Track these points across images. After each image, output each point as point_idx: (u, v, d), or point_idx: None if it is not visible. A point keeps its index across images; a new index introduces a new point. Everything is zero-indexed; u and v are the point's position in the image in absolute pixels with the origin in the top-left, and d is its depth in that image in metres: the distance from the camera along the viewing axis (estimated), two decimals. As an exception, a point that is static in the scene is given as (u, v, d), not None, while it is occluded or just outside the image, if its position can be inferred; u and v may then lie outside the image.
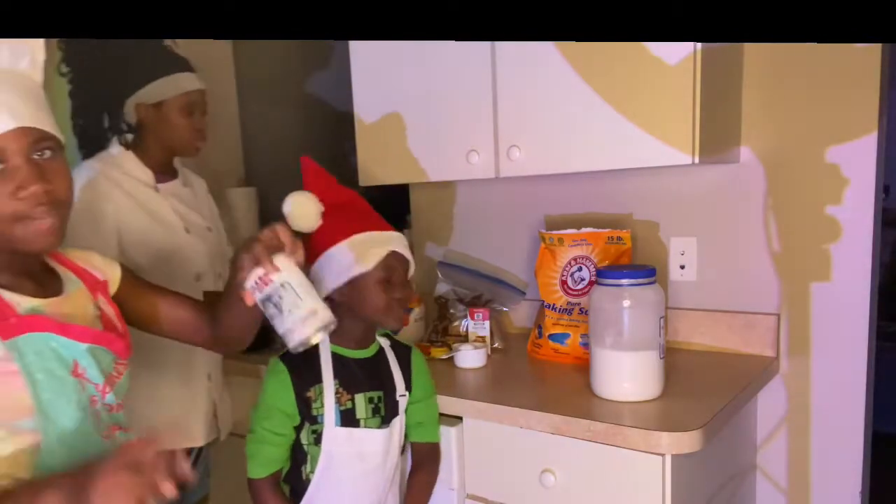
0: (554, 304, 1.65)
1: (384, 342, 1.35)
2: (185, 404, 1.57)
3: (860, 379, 1.50)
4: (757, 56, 1.53)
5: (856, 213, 1.46)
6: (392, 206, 2.19)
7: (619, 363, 1.32)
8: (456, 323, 1.81)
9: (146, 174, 1.56)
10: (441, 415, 1.43)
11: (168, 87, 1.51)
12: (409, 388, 1.33)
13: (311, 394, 1.24)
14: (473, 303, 1.81)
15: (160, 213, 1.55)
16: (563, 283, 1.64)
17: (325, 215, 1.23)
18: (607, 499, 1.24)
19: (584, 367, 1.43)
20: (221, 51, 2.74)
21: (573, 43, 1.42)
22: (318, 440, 1.25)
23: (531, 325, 1.81)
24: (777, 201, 1.55)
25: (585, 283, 1.61)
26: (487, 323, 1.72)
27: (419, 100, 1.67)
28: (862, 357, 1.50)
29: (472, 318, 1.73)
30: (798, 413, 1.57)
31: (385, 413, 1.29)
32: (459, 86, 1.60)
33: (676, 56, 1.31)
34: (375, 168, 1.79)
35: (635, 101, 1.37)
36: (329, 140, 2.57)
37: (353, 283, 1.23)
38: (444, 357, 1.68)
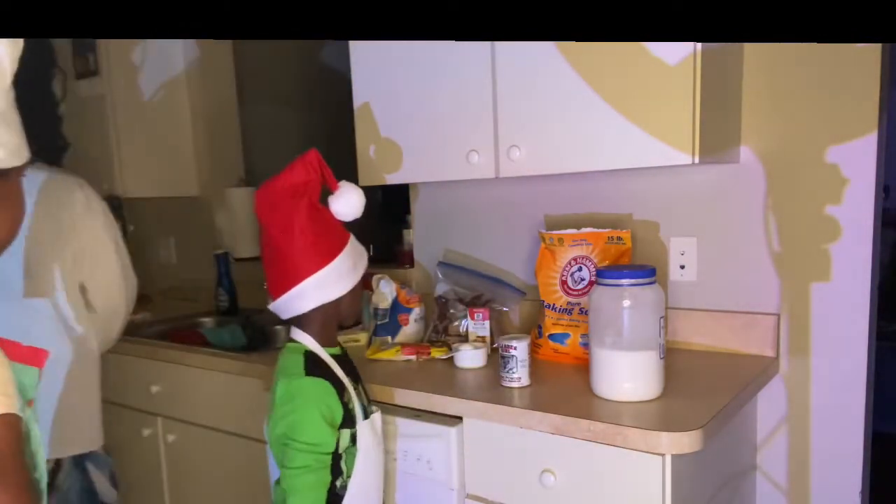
0: (554, 304, 1.65)
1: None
2: None
3: (860, 379, 1.50)
4: (757, 56, 1.53)
5: (856, 213, 1.46)
6: (392, 206, 2.20)
7: (619, 363, 1.32)
8: (456, 323, 1.81)
9: None
10: (441, 415, 1.43)
11: None
12: None
13: (346, 398, 1.28)
14: (473, 303, 1.81)
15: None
16: (563, 283, 1.64)
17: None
18: (607, 499, 1.24)
19: (584, 367, 1.43)
20: (221, 51, 2.74)
21: (573, 43, 1.42)
22: (354, 441, 1.29)
23: (531, 325, 1.81)
24: (777, 201, 1.55)
25: (585, 283, 1.61)
26: (487, 323, 1.72)
27: (419, 100, 1.67)
28: (862, 357, 1.50)
29: (472, 318, 1.73)
30: (798, 413, 1.57)
31: (367, 395, 1.41)
32: (459, 86, 1.60)
33: (676, 56, 1.31)
34: (375, 168, 1.79)
35: (635, 102, 1.37)
36: (329, 140, 2.57)
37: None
38: (444, 357, 1.68)
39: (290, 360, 1.28)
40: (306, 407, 1.22)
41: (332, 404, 1.24)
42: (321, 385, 1.24)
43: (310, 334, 1.29)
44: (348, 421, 1.26)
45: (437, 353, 1.68)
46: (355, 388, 1.32)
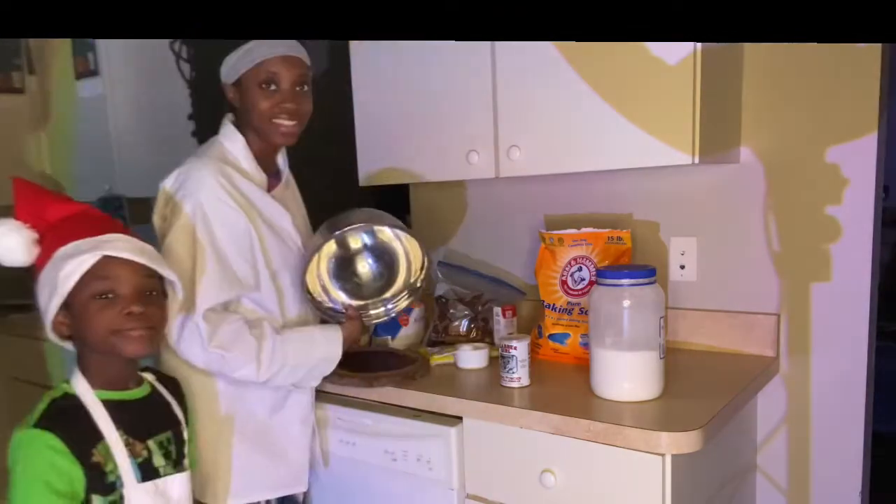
0: (554, 304, 1.65)
1: (149, 376, 1.22)
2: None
3: (860, 379, 1.50)
4: (757, 56, 1.53)
5: (856, 213, 1.46)
6: (392, 206, 2.19)
7: (619, 363, 1.32)
8: (456, 323, 1.81)
9: (261, 177, 1.41)
10: (441, 415, 1.43)
11: (242, 60, 1.34)
12: (186, 421, 1.24)
13: (97, 457, 1.05)
14: (473, 302, 1.81)
15: (285, 229, 1.44)
16: (563, 283, 1.64)
17: (45, 240, 1.11)
18: (607, 499, 1.24)
19: (584, 367, 1.43)
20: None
21: (573, 43, 1.42)
22: None
23: (531, 325, 1.81)
24: (777, 201, 1.55)
25: (585, 283, 1.61)
26: (515, 320, 1.74)
27: (419, 99, 1.67)
28: (862, 357, 1.50)
29: (504, 317, 1.74)
30: (798, 413, 1.57)
31: (176, 455, 1.18)
32: (459, 86, 1.60)
33: (676, 56, 1.31)
34: (375, 168, 1.79)
35: (635, 101, 1.37)
36: (329, 140, 2.56)
37: (70, 308, 1.08)
38: (449, 362, 1.66)
39: (35, 407, 1.09)
40: (25, 469, 1.02)
41: (60, 464, 1.02)
42: (42, 439, 1.01)
43: (83, 373, 1.12)
44: (97, 485, 1.05)
45: (440, 360, 1.65)
46: (133, 443, 1.10)
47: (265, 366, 1.32)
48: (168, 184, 1.37)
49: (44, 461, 1.01)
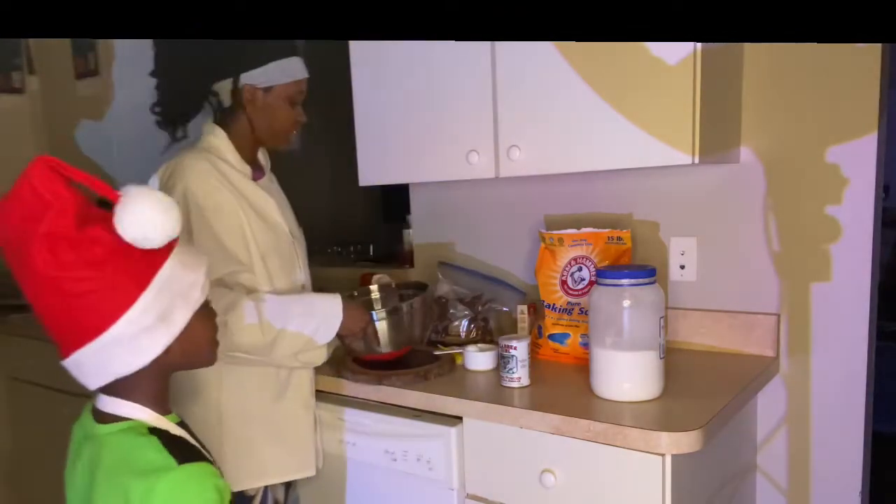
0: (554, 304, 1.65)
1: None
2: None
3: (860, 379, 1.50)
4: (757, 56, 1.53)
5: (856, 213, 1.46)
6: (392, 205, 2.20)
7: (619, 363, 1.32)
8: (456, 323, 1.81)
9: (245, 168, 1.46)
10: (441, 415, 1.43)
11: (281, 74, 1.42)
12: None
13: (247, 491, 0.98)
14: (473, 303, 1.81)
15: (271, 216, 1.47)
16: (563, 283, 1.64)
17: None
18: (607, 499, 1.24)
19: (584, 367, 1.43)
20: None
21: (573, 43, 1.42)
22: None
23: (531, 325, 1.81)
24: (777, 201, 1.55)
25: (585, 283, 1.61)
26: (536, 318, 1.73)
27: (419, 99, 1.67)
28: (862, 357, 1.50)
29: (529, 314, 1.75)
30: (798, 413, 1.57)
31: None
32: (459, 86, 1.60)
33: (676, 56, 1.31)
34: (375, 168, 1.79)
35: (635, 101, 1.37)
36: (329, 139, 2.56)
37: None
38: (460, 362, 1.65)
39: (129, 447, 0.88)
40: None
41: (225, 490, 0.90)
42: (205, 470, 0.87)
43: (141, 403, 0.91)
44: None
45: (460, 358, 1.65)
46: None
47: (266, 327, 1.34)
48: (158, 176, 1.43)
49: (216, 491, 0.87)
